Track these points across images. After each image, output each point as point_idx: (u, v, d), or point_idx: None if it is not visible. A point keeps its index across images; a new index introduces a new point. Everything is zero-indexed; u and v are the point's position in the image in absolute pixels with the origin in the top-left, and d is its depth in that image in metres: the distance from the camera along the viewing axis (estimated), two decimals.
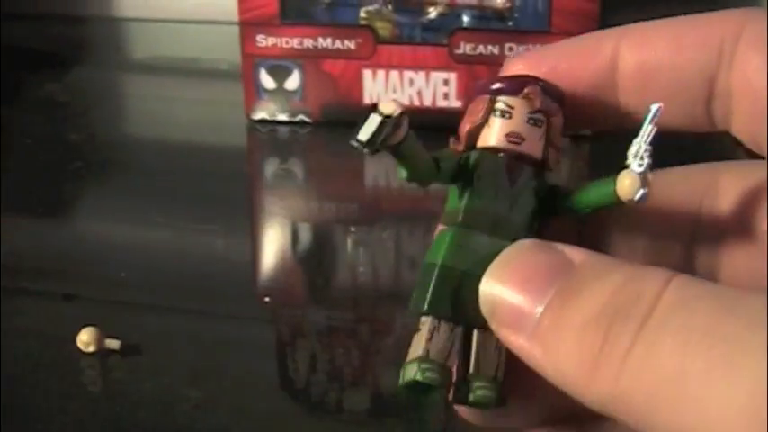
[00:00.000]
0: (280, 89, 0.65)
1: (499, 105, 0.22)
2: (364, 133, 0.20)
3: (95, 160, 0.64)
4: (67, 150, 0.65)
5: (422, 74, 0.63)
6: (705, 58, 0.21)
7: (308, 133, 0.65)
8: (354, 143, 0.20)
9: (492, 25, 0.63)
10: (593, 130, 0.24)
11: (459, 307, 0.21)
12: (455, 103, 0.63)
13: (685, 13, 0.23)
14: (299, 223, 0.56)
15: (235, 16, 0.64)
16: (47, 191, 0.60)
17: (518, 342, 0.19)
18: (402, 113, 0.20)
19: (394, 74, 0.63)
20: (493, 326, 0.20)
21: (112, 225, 0.56)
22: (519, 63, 0.23)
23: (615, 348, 0.17)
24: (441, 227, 0.23)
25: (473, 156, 0.22)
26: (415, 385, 0.21)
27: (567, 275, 0.19)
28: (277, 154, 0.65)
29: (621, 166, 0.21)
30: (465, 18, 0.63)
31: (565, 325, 0.18)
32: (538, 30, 0.61)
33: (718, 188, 0.23)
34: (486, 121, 0.22)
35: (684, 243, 0.23)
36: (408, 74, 0.63)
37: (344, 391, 0.41)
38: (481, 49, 0.62)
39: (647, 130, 0.20)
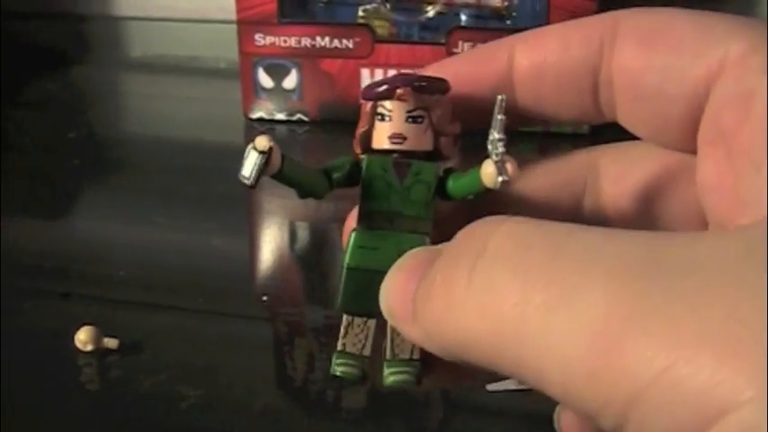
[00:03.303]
0: (278, 88, 0.65)
1: (380, 110, 0.24)
2: (246, 169, 0.22)
3: (94, 158, 0.64)
4: (66, 149, 0.65)
5: None
6: (588, 53, 0.23)
7: (305, 132, 0.65)
8: (241, 179, 0.22)
9: (490, 24, 0.63)
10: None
11: (370, 302, 0.23)
12: None
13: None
14: (296, 222, 0.56)
15: (233, 15, 0.64)
16: (45, 189, 0.60)
17: (406, 328, 0.21)
18: (271, 147, 0.22)
19: (392, 73, 0.63)
20: (392, 321, 0.22)
21: (111, 223, 0.56)
22: (428, 72, 0.25)
23: (455, 285, 0.18)
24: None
25: (364, 160, 0.24)
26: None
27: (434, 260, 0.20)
28: None
29: (486, 155, 0.23)
30: (463, 17, 0.63)
31: (429, 289, 0.20)
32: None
33: (598, 169, 0.25)
34: (371, 125, 0.24)
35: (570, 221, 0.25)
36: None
37: (342, 390, 0.41)
38: None
39: (497, 121, 0.22)
